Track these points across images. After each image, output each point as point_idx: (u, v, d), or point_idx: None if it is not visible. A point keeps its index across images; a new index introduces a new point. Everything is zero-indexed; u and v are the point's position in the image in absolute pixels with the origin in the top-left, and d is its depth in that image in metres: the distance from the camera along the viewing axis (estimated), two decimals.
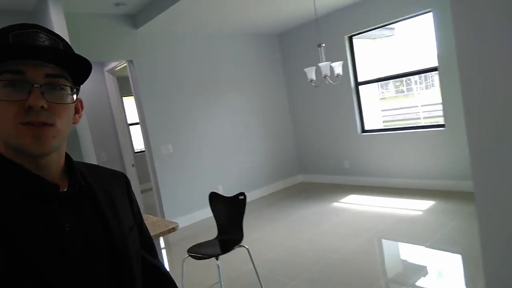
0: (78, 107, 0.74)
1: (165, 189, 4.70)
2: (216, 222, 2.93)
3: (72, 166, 0.73)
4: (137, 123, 4.86)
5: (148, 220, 2.12)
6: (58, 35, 0.69)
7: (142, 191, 5.58)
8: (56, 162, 0.69)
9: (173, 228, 1.89)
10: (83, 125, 3.46)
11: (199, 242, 2.91)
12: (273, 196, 5.66)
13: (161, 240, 4.03)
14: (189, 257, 2.64)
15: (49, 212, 0.65)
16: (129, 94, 5.15)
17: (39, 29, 0.66)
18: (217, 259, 2.55)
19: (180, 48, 4.92)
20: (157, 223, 2.02)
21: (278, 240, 3.80)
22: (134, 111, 4.83)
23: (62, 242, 0.64)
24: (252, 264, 2.79)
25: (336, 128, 5.61)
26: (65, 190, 0.69)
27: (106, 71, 5.22)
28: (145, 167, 4.82)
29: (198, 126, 5.07)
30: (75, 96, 0.69)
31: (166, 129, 4.74)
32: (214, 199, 2.95)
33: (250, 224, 4.02)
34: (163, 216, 4.70)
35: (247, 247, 2.72)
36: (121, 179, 0.85)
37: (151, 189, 4.98)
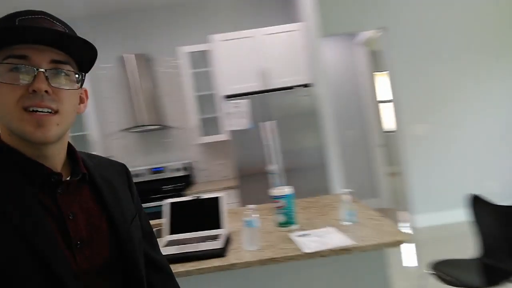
0: (83, 96, 0.73)
1: (415, 176, 3.97)
2: (479, 236, 2.06)
3: (74, 155, 0.73)
4: (387, 101, 4.31)
5: (373, 220, 1.64)
6: (64, 22, 0.68)
7: (389, 174, 5.04)
8: (59, 151, 0.68)
9: (398, 241, 1.33)
10: (325, 102, 3.30)
11: (448, 255, 2.15)
12: None
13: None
14: (432, 275, 1.97)
15: (52, 201, 0.64)
16: (379, 69, 4.64)
17: (46, 16, 0.65)
18: None
19: (441, 7, 3.90)
20: (382, 228, 1.51)
21: None
22: (383, 87, 4.28)
23: (66, 231, 0.64)
24: None
25: None
26: (68, 178, 0.69)
27: (356, 43, 4.90)
28: (393, 149, 4.25)
29: (463, 104, 3.94)
30: (80, 84, 0.69)
31: (420, 106, 3.96)
32: (479, 204, 2.08)
33: None
34: (409, 207, 4.02)
35: None
36: (121, 170, 0.83)
37: (398, 173, 4.38)
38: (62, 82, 0.64)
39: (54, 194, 0.65)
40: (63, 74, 0.65)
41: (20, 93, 0.60)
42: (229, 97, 3.39)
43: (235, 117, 3.35)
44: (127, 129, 3.68)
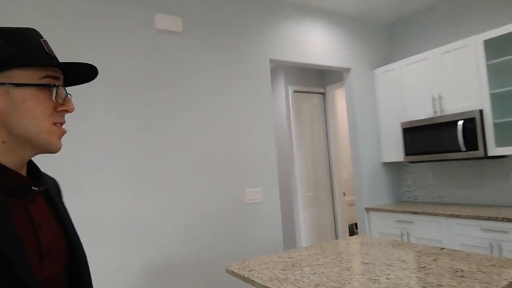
0: None
1: None
2: None
3: (33, 166, 0.76)
4: None
5: None
6: None
7: None
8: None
9: None
10: None
11: None
12: None
13: None
14: None
15: (22, 209, 0.67)
16: None
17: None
18: None
19: None
20: None
21: None
22: None
23: (37, 239, 0.66)
24: None
25: None
26: (35, 188, 0.71)
27: None
28: None
29: None
30: None
31: None
32: None
33: None
34: None
35: None
36: (57, 184, 0.87)
37: None
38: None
39: (24, 203, 0.67)
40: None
41: (52, 110, 0.68)
42: None
43: None
44: None
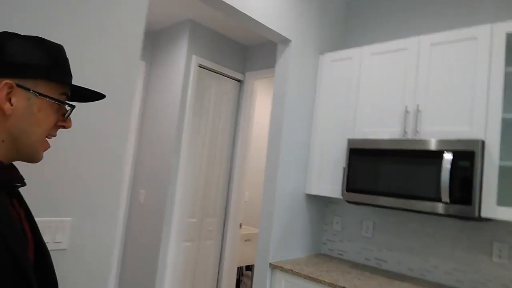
0: None
1: None
2: None
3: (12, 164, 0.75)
4: None
5: None
6: None
7: None
8: None
9: None
10: None
11: None
12: None
13: None
14: None
15: (11, 203, 0.67)
16: None
17: None
18: None
19: None
20: None
21: None
22: None
23: (24, 232, 0.68)
24: None
25: None
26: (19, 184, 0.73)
27: None
28: None
29: None
30: None
31: None
32: None
33: None
34: None
35: None
36: None
37: None
38: None
39: (9, 197, 0.67)
40: None
41: (54, 123, 0.72)
42: None
43: None
44: None
